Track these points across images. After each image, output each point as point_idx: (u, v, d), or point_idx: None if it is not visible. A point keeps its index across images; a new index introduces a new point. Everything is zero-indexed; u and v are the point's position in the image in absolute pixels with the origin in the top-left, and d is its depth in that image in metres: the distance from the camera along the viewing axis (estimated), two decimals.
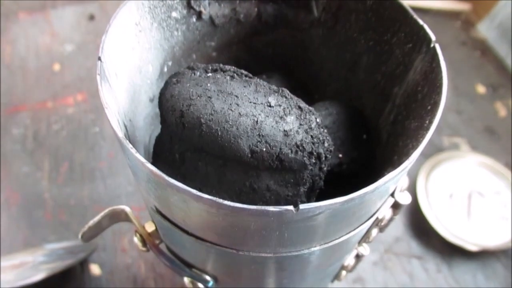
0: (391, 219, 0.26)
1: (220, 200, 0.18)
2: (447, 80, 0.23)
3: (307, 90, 0.38)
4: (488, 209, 0.64)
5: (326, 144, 0.24)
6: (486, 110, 0.81)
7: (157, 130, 0.35)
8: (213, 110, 0.23)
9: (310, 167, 0.23)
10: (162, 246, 0.30)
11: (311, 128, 0.23)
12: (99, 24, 0.91)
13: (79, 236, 0.31)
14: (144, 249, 0.30)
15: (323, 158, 0.24)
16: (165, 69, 0.32)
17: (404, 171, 0.21)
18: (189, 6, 0.30)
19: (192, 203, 0.20)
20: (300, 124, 0.23)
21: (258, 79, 0.25)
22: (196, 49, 0.34)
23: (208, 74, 0.25)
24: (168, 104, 0.25)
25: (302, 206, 0.18)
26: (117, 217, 0.31)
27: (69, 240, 0.63)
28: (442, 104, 0.22)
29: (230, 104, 0.23)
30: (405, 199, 0.25)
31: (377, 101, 0.33)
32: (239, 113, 0.23)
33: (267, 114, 0.23)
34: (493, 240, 0.61)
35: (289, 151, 0.23)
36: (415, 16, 0.26)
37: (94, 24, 0.91)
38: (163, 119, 0.26)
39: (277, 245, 0.22)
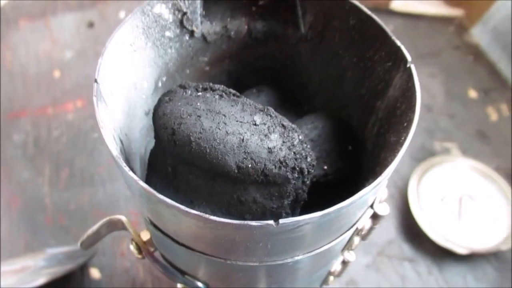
0: (371, 229, 0.28)
1: (207, 215, 0.20)
2: (420, 100, 0.25)
3: (296, 101, 0.40)
4: (479, 212, 0.66)
5: (308, 159, 0.26)
6: (478, 114, 0.82)
7: (152, 141, 0.36)
8: (202, 129, 0.24)
9: (293, 181, 0.25)
10: (157, 254, 0.32)
11: (293, 145, 0.25)
12: (99, 31, 0.93)
13: (79, 244, 0.32)
14: (139, 256, 0.32)
15: (306, 173, 0.25)
16: (160, 84, 0.34)
17: (380, 185, 0.23)
18: (181, 25, 0.32)
19: (182, 217, 0.21)
20: (283, 142, 0.25)
21: (245, 99, 0.26)
22: (189, 64, 0.36)
23: (198, 93, 0.27)
24: (160, 122, 0.26)
25: (282, 221, 0.20)
26: (115, 226, 0.32)
27: (69, 244, 0.64)
28: (415, 122, 0.24)
29: (218, 123, 0.25)
30: (383, 210, 0.26)
31: (362, 113, 0.34)
32: (226, 132, 0.24)
33: (253, 132, 0.24)
34: (483, 242, 0.63)
35: (273, 166, 0.24)
36: (393, 37, 0.27)
37: (94, 31, 0.93)
38: (156, 135, 0.28)
39: (262, 255, 0.24)
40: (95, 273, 0.62)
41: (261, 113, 0.25)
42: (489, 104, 0.83)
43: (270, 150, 0.24)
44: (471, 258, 0.64)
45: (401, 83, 0.28)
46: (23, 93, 0.83)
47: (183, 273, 0.30)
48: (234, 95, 0.27)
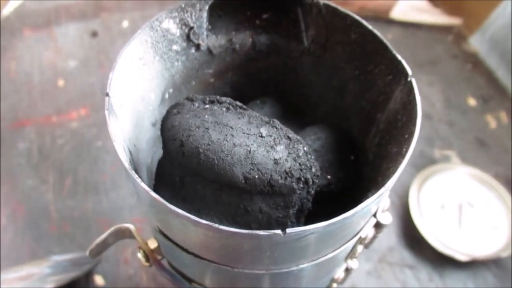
0: (374, 237, 0.29)
1: (216, 225, 0.21)
2: (421, 112, 0.26)
3: (298, 112, 0.41)
4: (478, 219, 0.67)
5: (313, 170, 0.27)
6: (477, 122, 0.83)
7: (159, 151, 0.37)
8: (210, 141, 0.25)
9: (298, 191, 0.26)
10: (164, 262, 0.33)
11: (299, 156, 0.26)
12: (102, 41, 0.94)
13: (87, 253, 0.33)
14: (147, 264, 0.33)
15: (311, 183, 0.26)
16: (167, 96, 0.35)
17: (382, 196, 0.24)
18: (188, 39, 0.33)
19: (191, 227, 0.22)
20: (289, 153, 0.25)
21: (251, 111, 0.27)
22: (195, 76, 0.37)
23: (206, 106, 0.28)
24: (169, 133, 0.27)
25: (289, 230, 0.21)
26: (122, 234, 0.33)
27: (73, 251, 0.65)
28: (416, 135, 0.25)
29: (226, 135, 0.25)
30: (386, 219, 0.27)
31: (363, 124, 0.35)
32: (234, 144, 0.25)
33: (259, 144, 0.25)
34: (483, 249, 0.63)
35: (279, 177, 0.25)
36: (394, 51, 0.28)
37: (97, 40, 0.94)
38: (165, 146, 0.29)
39: (269, 263, 0.24)
40: (99, 280, 0.62)
41: (267, 125, 0.26)
42: (488, 112, 0.84)
43: (276, 161, 0.25)
44: (472, 265, 0.65)
45: (402, 96, 0.28)
46: (27, 101, 0.84)
47: (190, 280, 0.31)
48: (240, 107, 0.27)
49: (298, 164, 0.25)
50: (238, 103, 0.28)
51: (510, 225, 0.66)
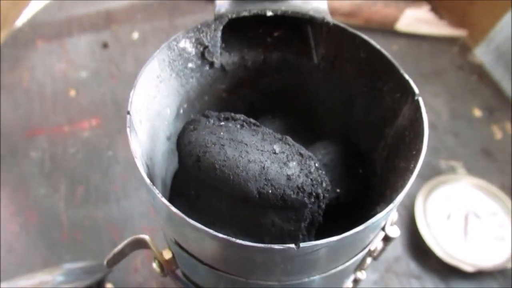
0: (382, 250, 0.30)
1: (232, 239, 0.22)
2: (428, 130, 0.27)
3: (308, 126, 0.42)
4: (484, 230, 0.67)
5: (323, 185, 0.28)
6: (483, 132, 0.84)
7: (172, 164, 0.39)
8: (226, 157, 0.26)
9: (309, 206, 0.27)
10: (178, 272, 0.34)
11: (310, 172, 0.27)
12: (113, 52, 0.96)
13: (104, 263, 0.34)
14: (162, 274, 0.34)
15: (321, 197, 0.27)
16: (181, 111, 0.36)
17: (391, 211, 0.25)
18: (203, 57, 0.34)
19: (208, 240, 0.23)
20: (301, 169, 0.27)
21: (264, 128, 0.28)
22: (208, 92, 0.38)
23: (221, 123, 0.29)
24: (186, 149, 0.28)
25: (302, 245, 0.22)
26: (138, 244, 0.34)
27: (85, 259, 0.66)
28: (423, 152, 0.26)
29: (241, 152, 0.27)
30: (394, 232, 0.28)
31: (372, 138, 0.36)
32: (248, 160, 0.26)
33: (273, 161, 0.26)
34: (490, 260, 0.64)
35: (291, 192, 0.26)
36: (402, 71, 0.30)
37: (108, 51, 0.96)
38: (181, 161, 0.30)
39: (281, 275, 0.25)
40: (109, 287, 0.64)
41: (280, 142, 0.27)
42: (494, 123, 0.85)
43: (289, 177, 0.26)
44: (478, 275, 0.65)
45: (409, 114, 0.30)
46: (40, 111, 0.86)
47: None
48: (254, 124, 0.29)
49: (310, 180, 0.27)
50: (252, 120, 0.29)
51: None
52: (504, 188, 0.73)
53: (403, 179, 0.28)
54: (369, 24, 0.97)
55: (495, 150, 0.81)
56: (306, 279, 0.26)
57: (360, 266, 0.30)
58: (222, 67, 0.36)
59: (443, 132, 0.84)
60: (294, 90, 0.41)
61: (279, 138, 0.28)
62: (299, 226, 0.27)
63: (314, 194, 0.27)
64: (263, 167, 0.26)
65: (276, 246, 0.22)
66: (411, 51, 0.98)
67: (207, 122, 0.29)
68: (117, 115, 0.85)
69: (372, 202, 0.34)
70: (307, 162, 0.27)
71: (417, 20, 0.99)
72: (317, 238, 0.23)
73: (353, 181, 0.35)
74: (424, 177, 0.75)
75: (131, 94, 0.28)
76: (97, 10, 1.06)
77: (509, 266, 0.63)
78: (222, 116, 0.30)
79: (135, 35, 0.97)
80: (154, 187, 0.24)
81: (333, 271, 0.27)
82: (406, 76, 0.29)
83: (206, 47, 0.34)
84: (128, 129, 0.26)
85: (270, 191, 0.26)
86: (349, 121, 0.39)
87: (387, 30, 1.00)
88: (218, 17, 0.33)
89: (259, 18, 0.34)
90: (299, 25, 0.36)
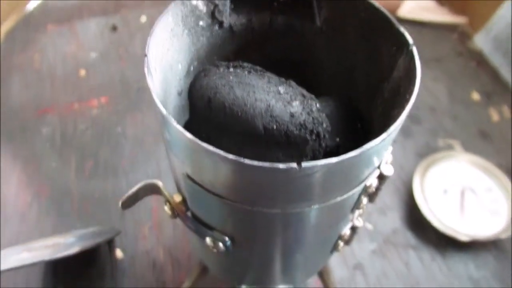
0: (377, 189, 0.32)
1: (242, 159, 0.24)
2: (420, 72, 0.29)
3: (311, 89, 0.45)
4: (480, 204, 0.70)
5: (324, 125, 0.30)
6: (480, 115, 0.86)
7: (182, 121, 0.41)
8: (235, 96, 0.29)
9: (311, 143, 0.29)
10: (188, 214, 0.36)
11: (312, 111, 0.29)
12: (121, 35, 0.98)
13: (120, 204, 0.37)
14: (172, 216, 0.37)
15: (322, 136, 0.30)
16: (191, 68, 0.39)
17: (386, 141, 0.27)
18: (213, 16, 0.37)
19: (220, 164, 0.26)
20: (303, 108, 0.29)
21: (270, 73, 0.31)
22: (217, 52, 0.40)
23: (230, 70, 0.31)
24: (198, 93, 0.31)
25: (304, 164, 0.24)
26: (151, 189, 0.37)
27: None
28: (417, 86, 0.28)
29: (248, 92, 0.29)
30: (388, 170, 0.31)
31: (370, 97, 0.39)
32: (255, 99, 0.29)
33: (277, 100, 0.29)
34: (484, 231, 0.66)
35: (294, 128, 0.29)
36: (397, 25, 0.32)
37: (117, 34, 0.99)
38: (193, 106, 0.32)
39: (283, 202, 0.28)
40: (118, 253, 0.66)
41: (284, 84, 0.30)
42: (491, 106, 0.88)
43: (292, 115, 0.29)
44: (473, 247, 0.68)
45: (404, 64, 0.32)
46: (50, 91, 0.88)
47: (212, 228, 0.35)
48: (260, 70, 0.31)
49: (311, 118, 0.29)
50: (258, 67, 0.32)
51: (510, 210, 0.68)
52: (500, 167, 0.75)
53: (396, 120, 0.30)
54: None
55: (492, 131, 0.83)
56: (307, 208, 0.29)
57: (357, 204, 0.33)
58: (231, 27, 0.39)
59: (442, 114, 0.86)
60: (299, 57, 0.43)
61: (284, 81, 0.30)
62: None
63: (315, 132, 0.29)
64: (269, 105, 0.29)
65: (280, 165, 0.24)
66: (412, 37, 1.00)
67: (217, 70, 0.32)
68: (125, 94, 0.87)
69: None
70: (309, 102, 0.29)
71: (418, 7, 1.01)
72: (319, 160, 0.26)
73: (352, 133, 0.37)
74: (422, 156, 0.77)
75: (148, 40, 0.30)
76: None
77: (502, 236, 0.65)
78: (231, 64, 0.32)
79: (143, 19, 1.00)
80: (170, 116, 0.26)
81: (332, 201, 0.29)
82: (402, 29, 0.32)
83: (216, 5, 0.36)
84: (145, 69, 0.29)
85: (274, 127, 0.28)
86: (350, 84, 0.41)
87: None
88: None
89: None
90: None
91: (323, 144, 0.30)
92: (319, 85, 0.45)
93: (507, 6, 0.94)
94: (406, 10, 1.01)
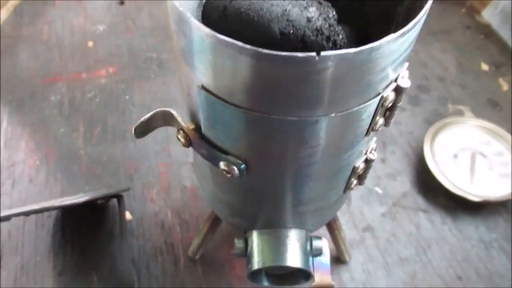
0: (394, 106, 0.32)
1: (260, 49, 0.24)
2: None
3: None
4: (490, 168, 0.69)
5: (340, 37, 0.30)
6: (490, 85, 0.86)
7: None
8: (251, 1, 0.29)
9: (327, 50, 0.29)
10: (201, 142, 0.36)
11: (328, 17, 0.29)
12: (128, 8, 0.99)
13: (132, 130, 0.36)
14: (185, 144, 0.36)
15: (338, 46, 0.30)
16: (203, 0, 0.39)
17: (405, 40, 0.27)
18: None
19: (238, 59, 0.25)
20: (320, 13, 0.29)
21: None
22: None
23: None
24: (213, 4, 0.31)
25: (322, 53, 0.24)
26: (164, 117, 0.37)
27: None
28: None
29: None
30: (405, 83, 0.30)
31: (384, 26, 0.38)
32: (271, 4, 0.29)
33: (294, 5, 0.29)
34: (495, 193, 0.66)
35: (311, 33, 0.28)
36: None
37: (124, 7, 0.99)
38: (207, 18, 0.32)
39: (300, 108, 0.28)
40: (127, 215, 0.66)
41: None
42: (500, 76, 0.87)
43: (309, 19, 0.28)
44: (483, 210, 0.67)
45: None
46: (59, 60, 0.89)
47: (225, 153, 0.34)
48: None
49: (328, 24, 0.29)
50: None
51: None
52: (509, 132, 0.74)
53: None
54: None
55: (501, 100, 0.83)
56: (322, 117, 0.29)
57: (372, 124, 0.33)
58: None
59: (451, 84, 0.86)
60: None
61: None
62: None
63: (332, 39, 0.29)
64: (285, 10, 0.28)
65: (299, 54, 0.24)
66: None
67: None
68: (133, 64, 0.87)
69: None
70: (326, 9, 0.29)
71: None
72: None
73: None
74: (432, 123, 0.77)
75: None
76: None
77: None
78: None
79: None
80: (185, 13, 0.26)
81: (349, 111, 0.29)
82: None
83: None
84: None
85: (291, 31, 0.28)
86: (364, 14, 0.41)
87: None
88: None
89: None
90: None
91: None
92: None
93: None
94: None
